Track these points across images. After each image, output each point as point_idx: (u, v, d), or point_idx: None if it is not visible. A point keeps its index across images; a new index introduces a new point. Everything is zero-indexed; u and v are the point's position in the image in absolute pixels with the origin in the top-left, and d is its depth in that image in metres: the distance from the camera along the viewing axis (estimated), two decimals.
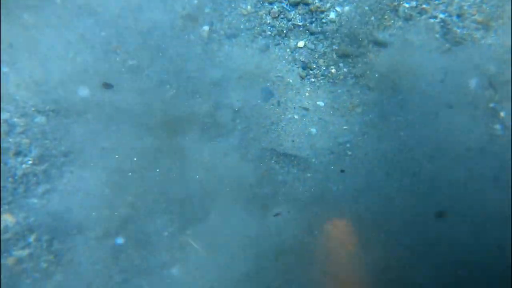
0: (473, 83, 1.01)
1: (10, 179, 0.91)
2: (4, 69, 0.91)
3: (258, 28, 1.05)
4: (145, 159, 0.96)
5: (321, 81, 1.05)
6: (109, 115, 0.95)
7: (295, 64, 1.05)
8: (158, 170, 0.96)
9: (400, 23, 1.01)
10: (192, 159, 0.98)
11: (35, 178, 0.93)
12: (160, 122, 0.97)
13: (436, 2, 0.98)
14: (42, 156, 0.93)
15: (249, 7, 1.05)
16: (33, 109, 0.93)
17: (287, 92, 1.02)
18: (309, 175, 0.98)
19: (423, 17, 1.00)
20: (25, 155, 0.92)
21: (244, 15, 1.05)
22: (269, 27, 1.05)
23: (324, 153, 1.00)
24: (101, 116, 0.95)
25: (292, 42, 1.06)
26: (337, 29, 1.04)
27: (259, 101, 0.99)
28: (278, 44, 1.06)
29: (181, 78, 0.97)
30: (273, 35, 1.05)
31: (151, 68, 0.97)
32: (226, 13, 1.02)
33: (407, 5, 1.00)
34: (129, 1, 0.96)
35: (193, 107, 0.98)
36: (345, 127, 1.00)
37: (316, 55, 1.05)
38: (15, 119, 0.92)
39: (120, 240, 0.95)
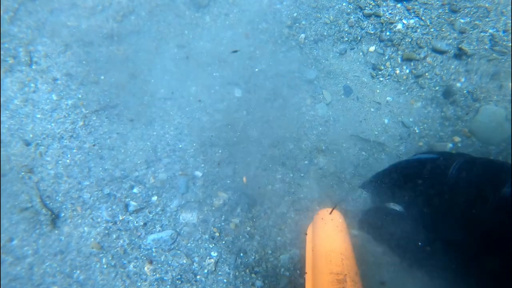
0: None
1: None
2: None
3: (338, 35, 1.26)
4: None
5: (388, 80, 1.26)
6: None
7: (367, 66, 1.27)
8: None
9: (455, 35, 1.23)
10: None
11: None
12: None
13: (487, 19, 1.21)
14: None
15: (331, 17, 1.27)
16: None
17: (363, 89, 1.23)
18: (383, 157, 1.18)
19: (475, 31, 1.22)
20: None
21: (327, 24, 1.26)
22: (346, 34, 1.27)
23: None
24: None
25: (364, 47, 1.27)
26: (402, 38, 1.26)
27: (342, 96, 1.20)
28: (353, 48, 1.27)
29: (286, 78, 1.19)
30: (349, 40, 1.27)
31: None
32: (314, 22, 1.24)
33: (462, 20, 1.23)
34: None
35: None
36: (411, 119, 1.21)
37: (384, 58, 1.27)
38: None
39: None
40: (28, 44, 1.29)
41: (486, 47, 1.22)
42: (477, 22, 1.23)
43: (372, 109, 1.22)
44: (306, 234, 0.99)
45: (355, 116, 1.21)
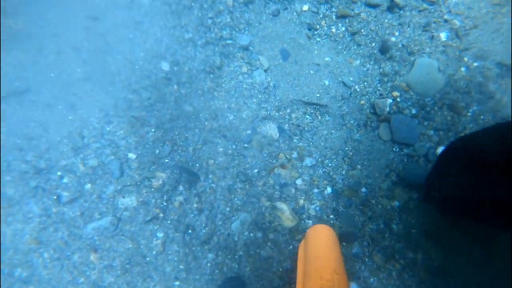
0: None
1: None
2: None
3: None
4: None
5: (325, 40, 1.22)
6: None
7: (302, 26, 1.21)
8: None
9: None
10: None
11: None
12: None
13: None
14: None
15: None
16: None
17: (300, 51, 1.18)
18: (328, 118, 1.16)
19: None
20: None
21: None
22: None
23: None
24: None
25: (298, 6, 1.21)
26: None
27: (280, 60, 1.14)
28: (286, 8, 1.21)
29: (217, 46, 1.09)
30: (281, 0, 1.20)
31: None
32: None
33: None
34: None
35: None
36: (351, 78, 1.19)
37: (319, 17, 1.22)
38: None
39: None
40: None
41: None
42: None
43: (311, 71, 1.18)
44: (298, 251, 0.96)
45: (295, 80, 1.16)
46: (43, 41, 1.12)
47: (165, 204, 1.00)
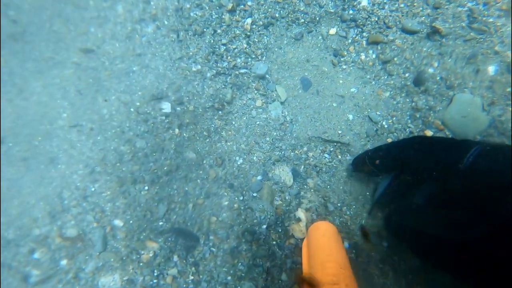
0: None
1: None
2: None
3: (292, 16, 1.05)
4: None
5: (352, 68, 1.09)
6: None
7: (328, 52, 1.08)
8: None
9: (429, 10, 1.05)
10: None
11: None
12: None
13: None
14: None
15: None
16: None
17: (323, 81, 1.05)
18: (348, 158, 1.04)
19: (451, 5, 1.04)
20: None
21: (278, 3, 1.05)
22: (302, 14, 1.06)
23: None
24: None
25: (324, 29, 1.08)
26: (368, 16, 1.07)
27: (300, 91, 1.02)
28: (311, 31, 1.08)
29: (230, 76, 0.98)
30: (306, 22, 1.07)
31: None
32: (262, 2, 1.02)
33: None
34: None
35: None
36: (378, 113, 1.06)
37: (347, 42, 1.09)
38: None
39: None
40: None
41: (463, 24, 1.05)
42: None
43: (334, 104, 1.06)
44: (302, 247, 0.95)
45: (315, 114, 1.04)
46: (26, 81, 1.02)
47: (155, 281, 0.88)
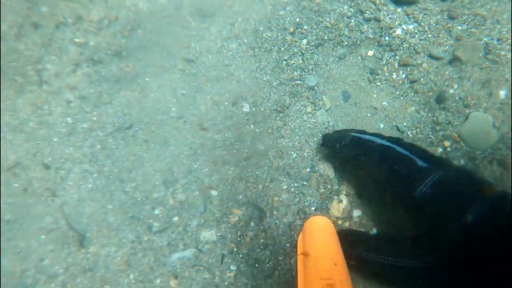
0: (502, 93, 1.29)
1: None
2: None
3: (338, 39, 1.27)
4: None
5: (384, 85, 1.29)
6: None
7: (365, 70, 1.29)
8: None
9: (451, 41, 1.26)
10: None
11: None
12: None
13: (483, 27, 1.24)
14: None
15: (332, 20, 1.27)
16: None
17: (360, 94, 1.27)
18: None
19: (471, 38, 1.25)
20: None
21: (328, 28, 1.26)
22: (346, 38, 1.28)
23: None
24: None
25: (363, 51, 1.29)
26: (401, 43, 1.28)
27: (341, 101, 1.24)
28: (352, 52, 1.29)
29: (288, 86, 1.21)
30: (349, 44, 1.28)
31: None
32: (315, 27, 1.24)
33: (459, 28, 1.25)
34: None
35: None
36: (404, 124, 1.27)
37: (381, 63, 1.30)
38: None
39: None
40: (36, 62, 1.26)
41: (480, 55, 1.26)
42: (473, 29, 1.25)
43: (368, 114, 1.26)
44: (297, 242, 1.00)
45: (353, 121, 1.25)
46: (146, 81, 1.26)
47: (239, 239, 1.11)
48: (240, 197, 1.13)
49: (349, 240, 1.01)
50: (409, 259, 0.89)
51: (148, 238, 1.10)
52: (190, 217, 1.12)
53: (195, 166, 1.16)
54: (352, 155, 1.05)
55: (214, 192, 1.14)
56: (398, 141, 1.03)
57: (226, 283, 1.05)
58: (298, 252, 0.97)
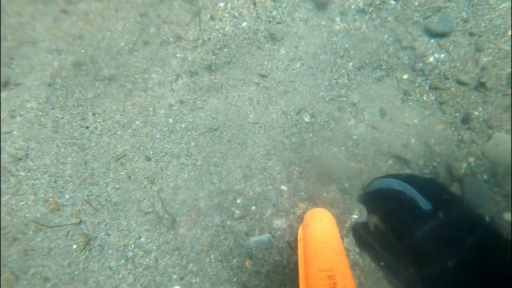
0: None
1: None
2: None
3: (377, 63, 1.46)
4: None
5: (416, 105, 1.47)
6: None
7: (399, 91, 1.47)
8: None
9: (477, 70, 1.44)
10: None
11: None
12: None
13: (507, 60, 1.41)
14: None
15: (374, 47, 1.46)
16: None
17: (395, 112, 1.44)
18: (408, 171, 1.41)
19: (495, 68, 1.43)
20: None
21: (369, 53, 1.46)
22: (384, 62, 1.47)
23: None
24: None
25: (399, 75, 1.47)
26: (432, 69, 1.46)
27: (378, 117, 1.42)
28: (389, 75, 1.47)
29: (336, 101, 1.40)
30: (386, 68, 1.47)
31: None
32: (359, 51, 1.44)
33: (485, 59, 1.43)
34: None
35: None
36: (432, 141, 1.43)
37: (414, 85, 1.47)
38: None
39: None
40: (143, 72, 1.50)
41: (503, 83, 1.43)
42: (497, 61, 1.43)
43: (401, 130, 1.43)
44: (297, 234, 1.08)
45: (387, 136, 1.42)
46: (229, 91, 1.49)
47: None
48: (303, 193, 1.31)
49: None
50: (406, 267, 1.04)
51: (231, 223, 1.27)
52: (265, 207, 1.29)
53: (269, 164, 1.35)
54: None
55: (284, 187, 1.32)
56: (411, 179, 1.20)
57: (292, 265, 1.19)
58: (299, 246, 1.00)
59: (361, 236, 1.18)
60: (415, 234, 1.04)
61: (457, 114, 1.45)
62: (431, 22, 1.49)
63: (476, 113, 1.44)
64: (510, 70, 1.43)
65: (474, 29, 1.48)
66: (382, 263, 1.17)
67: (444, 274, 0.96)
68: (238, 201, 1.31)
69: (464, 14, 1.50)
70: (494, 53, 1.45)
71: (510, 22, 1.47)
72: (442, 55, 1.47)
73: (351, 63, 1.47)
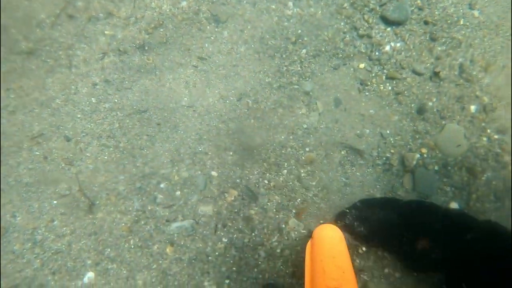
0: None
1: None
2: None
3: (333, 51, 1.42)
4: None
5: (372, 95, 1.45)
6: None
7: (356, 81, 1.44)
8: None
9: (432, 60, 1.43)
10: None
11: None
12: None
13: (458, 49, 1.41)
14: None
15: (330, 34, 1.41)
16: None
17: (350, 101, 1.41)
18: (361, 162, 1.39)
19: (448, 58, 1.42)
20: None
21: (325, 41, 1.41)
22: (341, 51, 1.43)
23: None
24: None
25: (355, 64, 1.44)
26: (389, 58, 1.43)
27: (332, 107, 1.38)
28: (346, 64, 1.44)
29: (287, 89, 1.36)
30: (343, 57, 1.43)
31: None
32: (314, 39, 1.39)
33: (439, 48, 1.42)
34: None
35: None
36: (387, 131, 1.42)
37: (371, 75, 1.45)
38: None
39: None
40: (67, 48, 1.39)
41: (456, 73, 1.43)
42: (450, 51, 1.43)
43: (356, 120, 1.41)
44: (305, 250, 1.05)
45: (341, 125, 1.40)
46: (163, 73, 1.41)
47: (232, 216, 1.27)
48: (238, 180, 1.28)
49: None
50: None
51: (152, 208, 1.23)
52: (191, 192, 1.26)
53: (200, 149, 1.31)
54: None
55: (214, 173, 1.29)
56: (410, 205, 1.21)
57: (217, 253, 1.18)
58: (306, 262, 0.98)
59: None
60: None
61: (412, 105, 1.44)
62: (386, 9, 1.46)
63: (430, 103, 1.43)
64: (462, 60, 1.43)
65: (428, 18, 1.46)
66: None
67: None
68: (162, 185, 1.26)
69: (419, 1, 1.48)
70: (447, 42, 1.44)
71: (461, 11, 1.47)
72: (398, 44, 1.44)
73: (304, 50, 1.42)
